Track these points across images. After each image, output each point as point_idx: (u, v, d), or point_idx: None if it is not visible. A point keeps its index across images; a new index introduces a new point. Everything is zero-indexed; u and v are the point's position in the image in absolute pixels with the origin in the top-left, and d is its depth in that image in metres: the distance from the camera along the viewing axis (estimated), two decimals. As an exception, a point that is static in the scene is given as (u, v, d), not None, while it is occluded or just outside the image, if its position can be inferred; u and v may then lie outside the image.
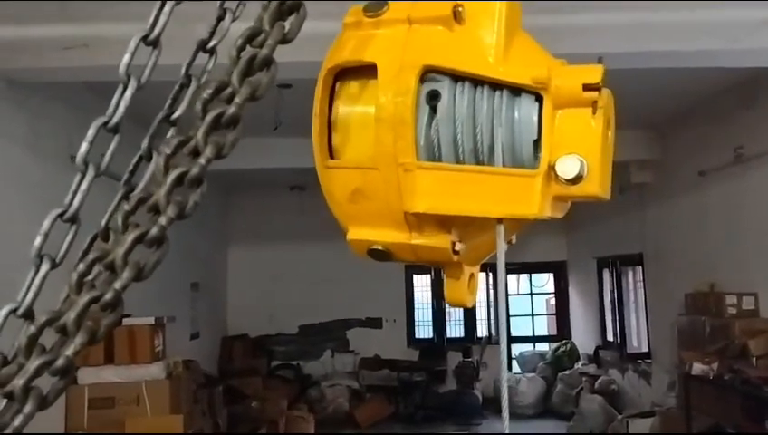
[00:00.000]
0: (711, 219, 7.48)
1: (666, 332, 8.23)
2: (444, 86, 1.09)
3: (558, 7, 3.84)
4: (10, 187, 4.68)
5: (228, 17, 1.07)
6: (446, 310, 12.10)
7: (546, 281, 13.01)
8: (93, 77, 4.51)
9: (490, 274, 8.93)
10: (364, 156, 1.12)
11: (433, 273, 11.67)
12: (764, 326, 6.32)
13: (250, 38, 0.93)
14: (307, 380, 11.21)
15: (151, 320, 5.65)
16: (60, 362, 0.78)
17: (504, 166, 1.07)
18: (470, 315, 12.11)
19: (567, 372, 10.94)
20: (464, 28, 1.11)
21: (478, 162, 1.09)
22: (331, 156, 1.16)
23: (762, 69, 5.60)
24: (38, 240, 0.88)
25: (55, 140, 5.16)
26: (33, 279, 0.88)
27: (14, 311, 0.85)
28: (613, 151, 1.15)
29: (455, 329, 12.31)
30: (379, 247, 1.15)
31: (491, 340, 11.80)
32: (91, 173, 0.91)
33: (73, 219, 0.91)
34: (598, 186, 1.06)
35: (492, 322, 12.16)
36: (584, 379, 10.33)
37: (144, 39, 0.95)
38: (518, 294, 13.07)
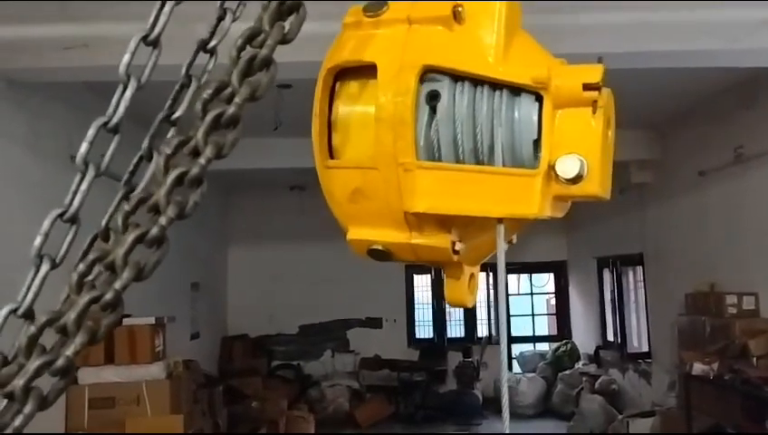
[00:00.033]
0: (711, 219, 7.48)
1: (666, 332, 8.23)
2: (444, 86, 1.09)
3: (558, 7, 3.84)
4: (10, 187, 4.68)
5: (228, 17, 1.07)
6: (447, 310, 12.09)
7: (546, 281, 13.00)
8: (93, 77, 4.51)
9: (490, 274, 8.92)
10: (364, 156, 1.11)
11: (433, 273, 11.66)
12: (765, 326, 6.32)
13: (250, 38, 0.93)
14: (307, 380, 11.20)
15: (151, 320, 5.66)
16: (60, 362, 0.78)
17: (504, 166, 1.07)
18: (470, 315, 12.09)
19: (567, 372, 10.93)
20: (463, 28, 1.11)
21: (478, 162, 1.09)
22: (331, 156, 1.16)
23: (762, 69, 5.60)
24: (38, 240, 0.88)
25: (55, 140, 5.16)
26: (33, 279, 0.88)
27: (14, 311, 0.85)
28: (613, 151, 1.15)
29: (455, 329, 12.30)
30: (379, 247, 1.15)
31: (491, 340, 11.79)
32: (91, 173, 0.91)
33: (73, 219, 0.91)
34: (598, 185, 1.06)
35: (492, 322, 12.14)
36: (584, 379, 10.32)
37: (144, 39, 0.95)
38: (518, 294, 13.07)
